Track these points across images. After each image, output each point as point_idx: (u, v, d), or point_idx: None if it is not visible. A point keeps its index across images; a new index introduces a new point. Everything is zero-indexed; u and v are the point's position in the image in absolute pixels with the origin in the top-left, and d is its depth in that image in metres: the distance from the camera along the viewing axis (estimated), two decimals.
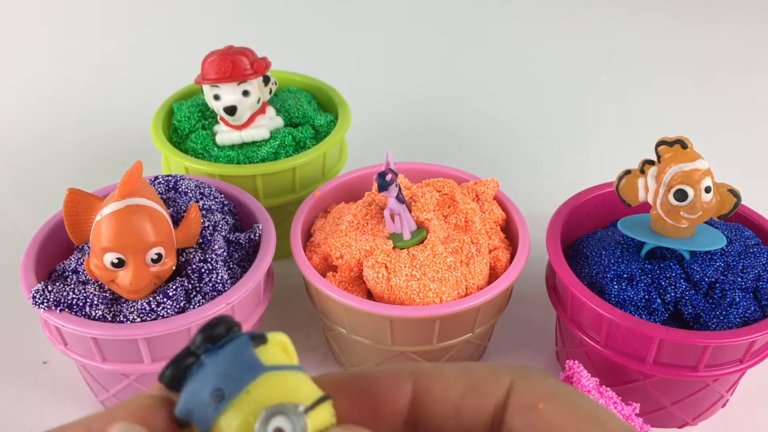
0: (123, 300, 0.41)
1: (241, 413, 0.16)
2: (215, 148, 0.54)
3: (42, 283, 0.41)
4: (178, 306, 0.40)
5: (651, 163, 0.43)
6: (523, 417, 0.18)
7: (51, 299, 0.40)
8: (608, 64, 0.85)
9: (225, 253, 0.43)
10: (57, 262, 0.45)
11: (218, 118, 0.55)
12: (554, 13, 0.93)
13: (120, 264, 0.39)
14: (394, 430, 0.19)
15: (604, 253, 0.45)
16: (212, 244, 0.43)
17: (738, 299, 0.42)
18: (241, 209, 0.49)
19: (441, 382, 0.19)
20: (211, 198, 0.47)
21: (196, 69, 0.54)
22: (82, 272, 0.42)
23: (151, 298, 0.40)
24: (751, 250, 0.44)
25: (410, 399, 0.19)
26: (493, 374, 0.19)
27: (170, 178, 0.47)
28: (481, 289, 0.44)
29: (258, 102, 0.54)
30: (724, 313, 0.42)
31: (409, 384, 0.19)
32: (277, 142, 0.54)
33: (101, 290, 0.41)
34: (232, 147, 0.54)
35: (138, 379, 0.43)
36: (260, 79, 0.53)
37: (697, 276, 0.43)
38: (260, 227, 0.46)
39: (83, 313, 0.40)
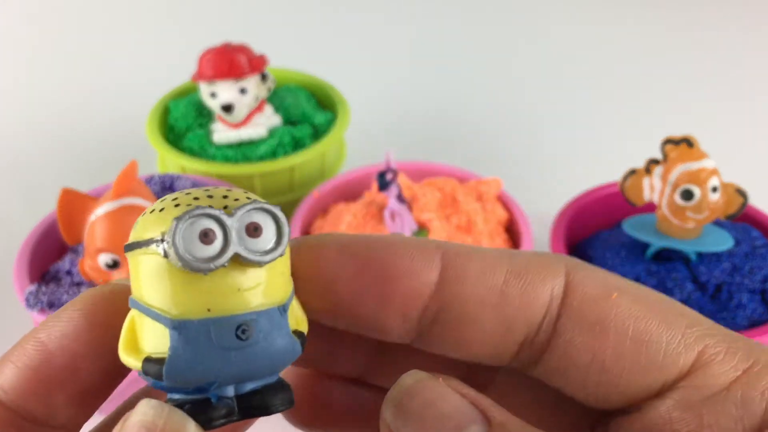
0: None
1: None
2: (212, 147, 0.54)
3: (35, 284, 0.40)
4: None
5: (657, 162, 0.42)
6: (591, 310, 0.15)
7: (44, 301, 0.39)
8: (614, 62, 0.85)
9: None
10: (50, 263, 0.44)
11: (215, 116, 0.55)
12: (558, 12, 0.92)
13: (115, 265, 0.38)
14: (406, 318, 0.15)
15: (608, 254, 0.45)
16: None
17: (745, 301, 0.41)
18: None
19: (479, 261, 0.16)
20: None
21: (192, 66, 0.54)
22: (76, 273, 0.42)
23: None
24: (759, 251, 0.44)
25: (437, 278, 0.15)
26: (543, 261, 0.16)
27: (166, 177, 0.47)
28: None
29: (255, 100, 0.53)
30: (731, 315, 0.41)
31: (437, 258, 0.15)
32: (275, 141, 0.54)
33: None
34: (229, 146, 0.54)
35: (134, 382, 0.42)
36: (258, 76, 0.53)
37: (704, 277, 0.42)
38: None
39: None
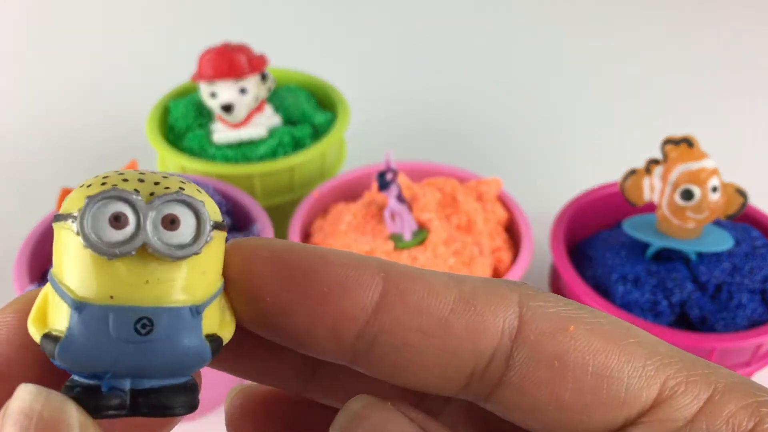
0: None
1: None
2: (212, 147, 0.54)
3: (35, 283, 0.40)
4: None
5: (657, 162, 0.42)
6: (548, 344, 0.14)
7: None
8: (614, 62, 0.85)
9: None
10: (50, 262, 0.44)
11: (215, 116, 0.55)
12: (558, 12, 0.92)
13: None
14: (339, 339, 0.14)
15: (608, 254, 0.44)
16: None
17: (745, 301, 0.41)
18: (239, 209, 0.48)
19: (424, 285, 0.14)
20: None
21: (192, 66, 0.54)
22: None
23: None
24: (759, 251, 0.44)
25: (376, 301, 0.14)
26: (494, 289, 0.15)
27: None
28: None
29: (255, 100, 0.53)
30: (731, 315, 0.41)
31: (378, 280, 0.14)
32: (275, 141, 0.54)
33: None
34: (229, 146, 0.54)
35: None
36: (258, 76, 0.53)
37: (704, 277, 0.42)
38: (258, 227, 0.45)
39: None
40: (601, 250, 0.45)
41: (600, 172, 0.56)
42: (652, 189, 0.42)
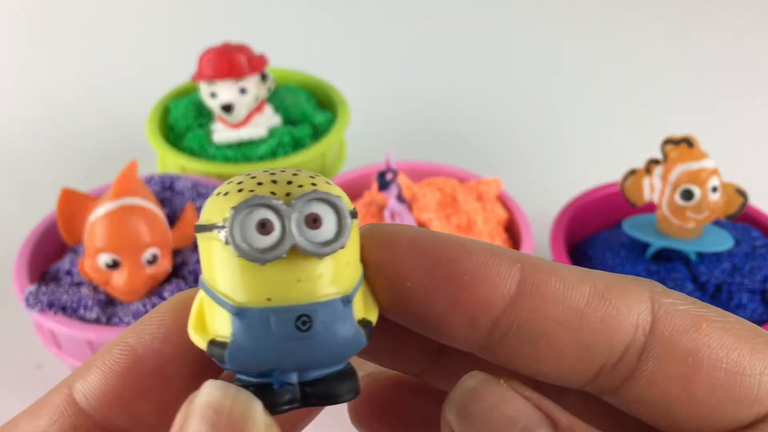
0: (117, 302, 0.40)
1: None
2: (212, 147, 0.54)
3: (35, 284, 0.40)
4: None
5: (657, 162, 0.42)
6: (683, 341, 0.14)
7: (44, 301, 0.39)
8: (614, 62, 0.85)
9: None
10: (50, 263, 0.44)
11: (215, 116, 0.55)
12: (558, 12, 0.92)
13: (114, 265, 0.38)
14: (476, 327, 0.14)
15: (608, 254, 0.44)
16: None
17: (745, 301, 0.41)
18: None
19: (560, 278, 0.15)
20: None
21: (192, 66, 0.54)
22: (76, 273, 0.41)
23: (146, 300, 0.39)
24: (759, 251, 0.44)
25: (514, 290, 0.14)
26: (626, 284, 0.15)
27: (166, 177, 0.47)
28: None
29: (255, 100, 0.53)
30: None
31: (515, 270, 0.14)
32: (275, 141, 0.54)
33: (95, 292, 0.40)
34: (229, 146, 0.54)
35: None
36: (258, 76, 0.53)
37: (704, 277, 0.42)
38: None
39: (77, 315, 0.39)
40: (601, 250, 0.45)
41: (600, 172, 0.56)
42: (652, 189, 0.42)
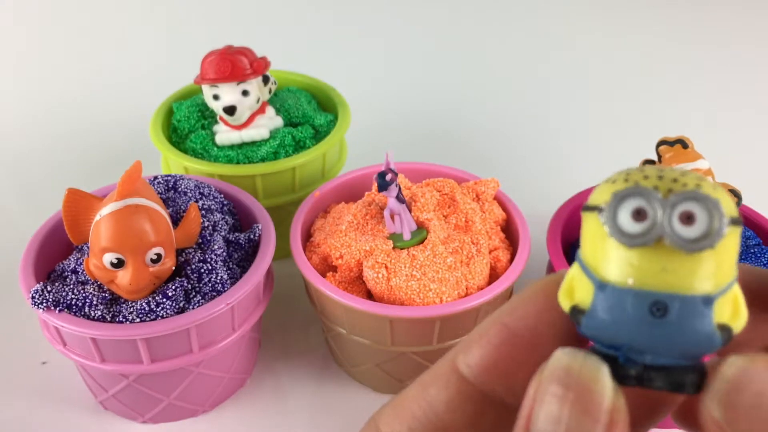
0: (122, 300, 0.41)
1: None
2: (215, 148, 0.54)
3: (41, 283, 0.41)
4: (177, 306, 0.40)
5: (652, 163, 0.43)
6: None
7: (50, 299, 0.40)
8: (609, 64, 0.85)
9: (224, 254, 0.43)
10: (56, 262, 0.44)
11: (218, 117, 0.55)
12: (556, 14, 0.93)
13: (119, 264, 0.39)
14: None
15: None
16: (212, 244, 0.43)
17: None
18: (241, 209, 0.49)
19: None
20: (211, 198, 0.47)
21: (195, 69, 0.54)
22: (81, 272, 0.42)
23: (150, 299, 0.40)
24: (752, 251, 0.44)
25: None
26: None
27: (169, 177, 0.47)
28: (482, 289, 0.44)
29: (257, 102, 0.53)
30: None
31: None
32: (277, 142, 0.54)
33: (100, 290, 0.41)
34: (231, 147, 0.54)
35: (137, 380, 0.43)
36: (260, 78, 0.53)
37: None
38: (260, 227, 0.46)
39: (82, 313, 0.40)
40: None
41: (596, 172, 0.56)
42: None
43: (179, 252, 0.42)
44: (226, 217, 0.46)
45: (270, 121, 0.55)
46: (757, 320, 0.17)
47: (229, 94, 0.52)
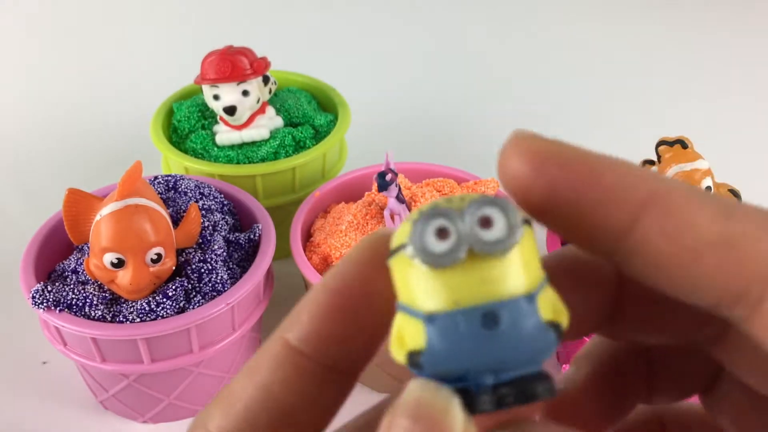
0: (122, 300, 0.41)
1: None
2: (215, 148, 0.54)
3: (41, 283, 0.41)
4: (177, 306, 0.40)
5: (651, 163, 0.43)
6: None
7: (50, 299, 0.40)
8: (609, 64, 0.85)
9: (225, 253, 0.43)
10: (56, 262, 0.45)
11: (218, 118, 0.55)
12: (557, 13, 0.93)
13: (119, 264, 0.39)
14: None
15: None
16: (212, 244, 0.43)
17: None
18: (241, 209, 0.49)
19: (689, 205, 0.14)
20: (211, 198, 0.47)
21: (195, 69, 0.54)
22: (82, 272, 0.42)
23: (150, 299, 0.40)
24: None
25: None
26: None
27: (170, 178, 0.47)
28: None
29: (258, 102, 0.53)
30: None
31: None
32: (277, 142, 0.54)
33: (101, 290, 0.41)
34: (231, 147, 0.54)
35: (137, 380, 0.43)
36: (260, 79, 0.53)
37: None
38: (260, 227, 0.46)
39: (83, 313, 0.40)
40: None
41: None
42: None
43: (179, 252, 0.43)
44: (227, 217, 0.46)
45: (270, 121, 0.55)
46: (578, 298, 0.17)
47: (229, 94, 0.52)
